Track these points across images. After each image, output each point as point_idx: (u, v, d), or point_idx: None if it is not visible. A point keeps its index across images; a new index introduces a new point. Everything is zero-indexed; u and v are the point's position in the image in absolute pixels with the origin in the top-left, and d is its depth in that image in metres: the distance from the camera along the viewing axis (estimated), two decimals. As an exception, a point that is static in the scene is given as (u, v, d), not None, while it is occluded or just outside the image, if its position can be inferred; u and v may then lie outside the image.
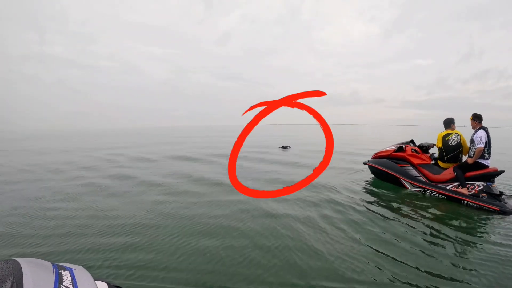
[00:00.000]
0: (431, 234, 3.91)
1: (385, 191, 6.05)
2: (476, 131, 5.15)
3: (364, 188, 6.41)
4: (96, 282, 0.72)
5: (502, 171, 5.11)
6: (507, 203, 4.95)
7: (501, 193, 5.16)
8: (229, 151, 12.72)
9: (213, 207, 5.03)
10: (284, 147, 14.87)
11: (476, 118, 5.21)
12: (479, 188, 5.19)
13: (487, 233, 4.01)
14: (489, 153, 5.14)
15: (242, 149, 13.73)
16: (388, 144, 7.18)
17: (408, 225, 4.22)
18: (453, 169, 5.43)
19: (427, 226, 4.21)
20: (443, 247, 3.51)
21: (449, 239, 3.73)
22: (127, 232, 3.98)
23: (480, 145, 5.01)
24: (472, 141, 5.20)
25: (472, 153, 5.20)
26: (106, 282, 0.79)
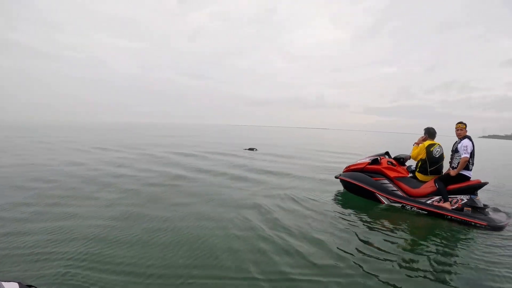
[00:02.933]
0: (412, 251, 3.52)
1: (359, 206, 5.40)
2: (461, 140, 4.71)
3: (336, 203, 5.68)
4: (6, 283, 0.80)
5: (486, 183, 4.65)
6: (492, 216, 4.47)
7: (485, 206, 4.67)
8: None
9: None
10: (251, 149, 14.66)
11: (463, 126, 4.79)
12: (463, 202, 4.71)
13: (471, 249, 3.60)
14: (473, 164, 4.69)
15: (205, 150, 12.74)
16: (358, 152, 6.63)
17: (387, 241, 3.77)
18: (434, 182, 4.89)
19: (407, 242, 3.78)
20: (426, 268, 3.10)
21: (432, 259, 3.32)
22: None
23: (465, 155, 4.56)
24: (456, 151, 4.74)
25: (456, 164, 4.71)
26: (17, 282, 0.87)
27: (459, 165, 4.62)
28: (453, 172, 4.71)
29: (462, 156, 4.56)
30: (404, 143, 25.21)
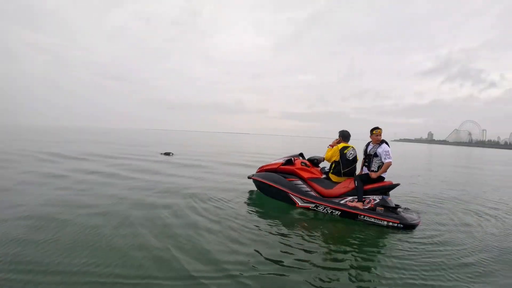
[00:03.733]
0: (327, 255, 3.13)
1: (272, 208, 4.76)
2: (380, 145, 4.50)
3: (248, 204, 4.89)
4: None
5: (398, 184, 4.47)
6: (404, 215, 4.18)
7: (397, 206, 4.39)
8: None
9: None
10: (167, 154, 13.73)
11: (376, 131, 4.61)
12: (375, 202, 4.36)
13: (387, 250, 3.32)
14: None
15: (116, 155, 10.19)
16: (272, 154, 6.07)
17: (301, 245, 3.31)
18: (354, 180, 4.49)
19: (322, 247, 3.34)
20: (343, 268, 2.81)
21: (348, 259, 3.01)
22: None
23: (389, 159, 4.36)
24: (375, 155, 4.49)
25: (376, 167, 4.46)
26: None
27: (381, 169, 4.39)
28: (374, 175, 4.42)
29: (387, 161, 4.37)
30: (321, 147, 26.62)
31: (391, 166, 4.38)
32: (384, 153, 4.40)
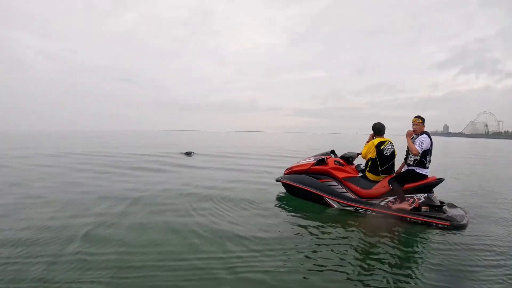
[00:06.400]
0: (369, 256, 2.95)
1: (305, 210, 4.49)
2: (418, 136, 4.12)
3: (279, 208, 4.63)
4: None
5: (442, 179, 4.12)
6: (453, 215, 3.88)
7: (442, 203, 4.08)
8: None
9: None
10: (188, 153, 13.71)
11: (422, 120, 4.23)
12: (420, 201, 4.05)
13: (436, 251, 3.09)
14: (429, 161, 4.10)
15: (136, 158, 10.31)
16: (289, 150, 5.87)
17: (341, 249, 3.10)
18: (388, 182, 4.16)
19: (365, 248, 3.16)
20: (389, 272, 2.61)
21: (394, 264, 2.79)
22: None
23: (417, 149, 3.95)
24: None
25: (412, 161, 4.11)
26: None
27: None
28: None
29: (413, 149, 3.98)
30: (340, 142, 25.79)
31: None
32: (418, 142, 4.01)
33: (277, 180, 5.50)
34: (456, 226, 3.68)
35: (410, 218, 3.90)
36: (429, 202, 4.00)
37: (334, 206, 4.53)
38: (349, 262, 2.77)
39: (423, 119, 4.20)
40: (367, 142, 4.59)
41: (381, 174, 4.39)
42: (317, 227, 3.74)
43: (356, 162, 5.05)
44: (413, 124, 4.22)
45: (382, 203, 4.20)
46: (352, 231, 3.64)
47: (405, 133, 4.28)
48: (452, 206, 4.34)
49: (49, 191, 5.51)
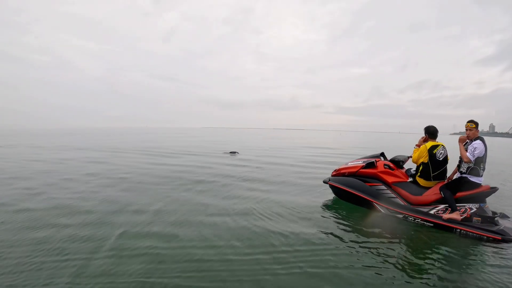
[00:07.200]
0: (417, 270, 3.00)
1: (353, 215, 4.65)
2: (472, 141, 4.06)
3: (327, 210, 4.89)
4: None
5: (496, 189, 4.05)
6: (505, 228, 3.81)
7: (494, 214, 4.04)
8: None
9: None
10: (232, 153, 13.57)
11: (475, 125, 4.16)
12: (472, 211, 4.02)
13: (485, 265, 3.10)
14: (484, 169, 4.04)
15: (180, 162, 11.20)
16: (332, 148, 5.99)
17: (387, 259, 3.19)
18: (440, 189, 4.18)
19: (412, 260, 3.23)
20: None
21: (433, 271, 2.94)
22: None
23: (468, 157, 3.93)
24: None
25: (465, 169, 4.08)
26: None
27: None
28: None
29: (465, 157, 3.97)
30: (383, 142, 24.96)
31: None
32: (470, 149, 3.97)
33: (324, 182, 5.61)
34: (508, 241, 3.62)
35: (461, 230, 3.89)
36: (481, 213, 3.97)
37: (382, 212, 4.61)
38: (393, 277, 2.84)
39: (476, 124, 4.14)
40: (417, 145, 4.54)
41: (433, 180, 4.37)
42: (359, 235, 3.86)
43: (406, 166, 5.06)
44: (466, 130, 4.15)
45: (432, 212, 4.20)
46: (398, 242, 3.69)
47: (458, 138, 4.25)
48: (504, 216, 4.25)
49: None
